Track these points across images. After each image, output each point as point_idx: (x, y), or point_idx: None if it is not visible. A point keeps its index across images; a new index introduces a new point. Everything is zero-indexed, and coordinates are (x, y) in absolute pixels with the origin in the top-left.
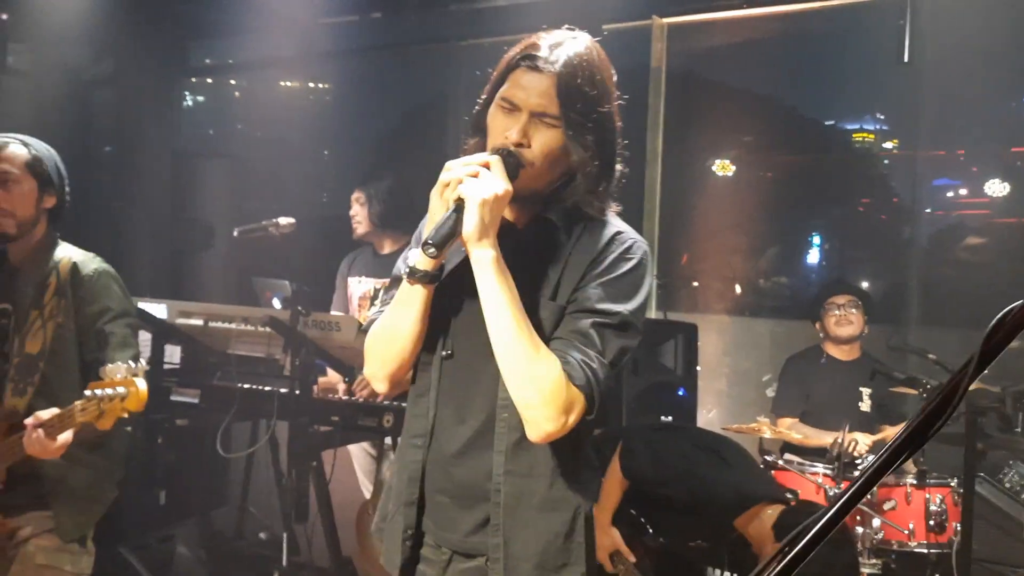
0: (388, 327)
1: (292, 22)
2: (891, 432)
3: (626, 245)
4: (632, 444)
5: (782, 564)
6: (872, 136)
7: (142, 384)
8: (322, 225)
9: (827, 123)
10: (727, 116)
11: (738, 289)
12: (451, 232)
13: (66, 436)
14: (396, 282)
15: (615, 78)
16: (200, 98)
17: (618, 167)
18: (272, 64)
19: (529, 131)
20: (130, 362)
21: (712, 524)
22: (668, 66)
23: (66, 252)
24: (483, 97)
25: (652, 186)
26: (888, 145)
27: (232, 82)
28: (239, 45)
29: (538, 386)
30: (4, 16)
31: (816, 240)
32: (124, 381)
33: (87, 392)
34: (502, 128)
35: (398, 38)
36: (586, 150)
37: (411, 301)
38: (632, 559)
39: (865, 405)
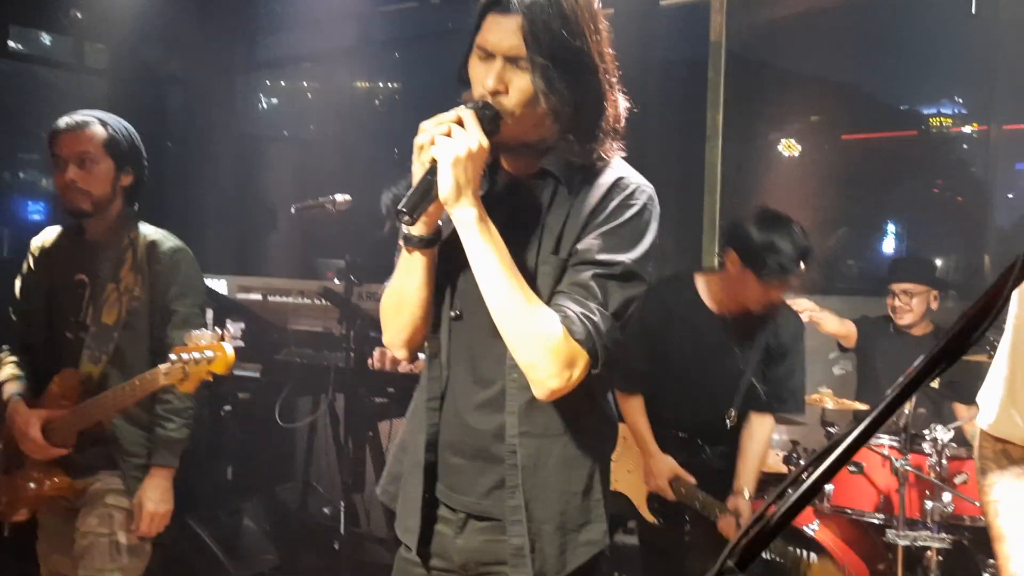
0: (395, 295)
1: (355, 13)
2: (960, 408)
3: (628, 191)
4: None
5: (808, 483)
6: (950, 120)
7: (229, 348)
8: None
9: (902, 107)
10: (792, 93)
11: (802, 266)
12: (424, 196)
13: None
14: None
15: (598, 11)
16: (275, 100)
17: (620, 106)
18: (337, 57)
19: (505, 77)
20: (215, 328)
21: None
22: (728, 40)
23: (143, 230)
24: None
25: (713, 162)
26: (967, 129)
27: (305, 84)
28: (304, 40)
29: (537, 343)
30: (79, 15)
31: (888, 220)
32: (212, 345)
33: (172, 356)
34: (480, 77)
35: (458, 23)
36: (563, 91)
37: (412, 268)
38: (692, 481)
39: (934, 381)
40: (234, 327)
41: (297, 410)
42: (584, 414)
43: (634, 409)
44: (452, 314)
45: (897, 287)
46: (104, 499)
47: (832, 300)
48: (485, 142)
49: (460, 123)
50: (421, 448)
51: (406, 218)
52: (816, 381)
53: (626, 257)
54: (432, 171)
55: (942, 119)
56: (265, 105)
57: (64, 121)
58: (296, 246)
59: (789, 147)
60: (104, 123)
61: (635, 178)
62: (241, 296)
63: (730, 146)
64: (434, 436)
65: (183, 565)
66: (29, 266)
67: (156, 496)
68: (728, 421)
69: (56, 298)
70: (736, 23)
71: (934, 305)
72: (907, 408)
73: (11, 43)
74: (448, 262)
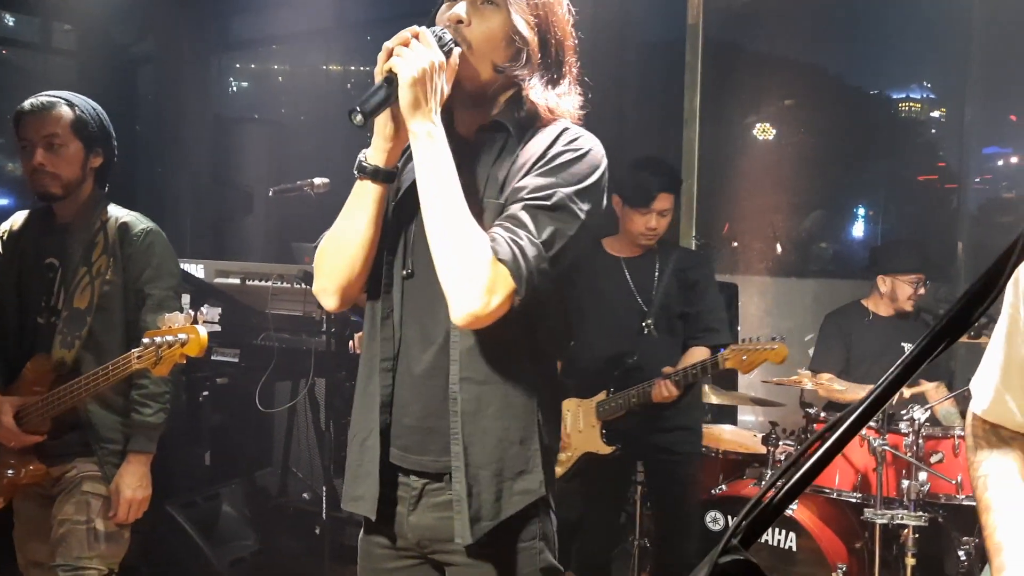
0: (339, 233)
1: None
2: (930, 387)
3: (572, 138)
4: None
5: (822, 451)
6: (919, 105)
7: (203, 330)
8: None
9: (872, 91)
10: (767, 77)
11: (779, 250)
12: (382, 101)
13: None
14: None
15: (564, 2)
16: (244, 83)
17: (576, 94)
18: (310, 38)
19: (471, 11)
20: (189, 311)
21: None
22: (706, 23)
23: (115, 212)
24: None
25: (690, 146)
26: (936, 114)
27: (275, 67)
28: (278, 21)
29: (462, 263)
30: None
31: (860, 203)
32: (184, 328)
33: (145, 340)
34: (446, 12)
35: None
36: (530, 37)
37: (362, 202)
38: (614, 396)
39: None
40: (211, 312)
41: (276, 395)
42: (524, 363)
43: None
44: (404, 272)
45: (909, 278)
46: (80, 486)
47: (807, 282)
48: (443, 58)
49: (416, 37)
50: (375, 411)
51: (358, 117)
52: (795, 363)
53: (559, 189)
54: (390, 80)
55: (911, 103)
56: (235, 88)
57: (29, 102)
58: (274, 230)
59: (764, 131)
60: (71, 104)
61: (582, 131)
62: (219, 280)
63: (707, 129)
64: (389, 398)
65: (161, 551)
66: None
67: (134, 482)
68: (629, 360)
69: (26, 283)
70: (713, 6)
71: (922, 291)
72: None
73: None
74: (402, 220)
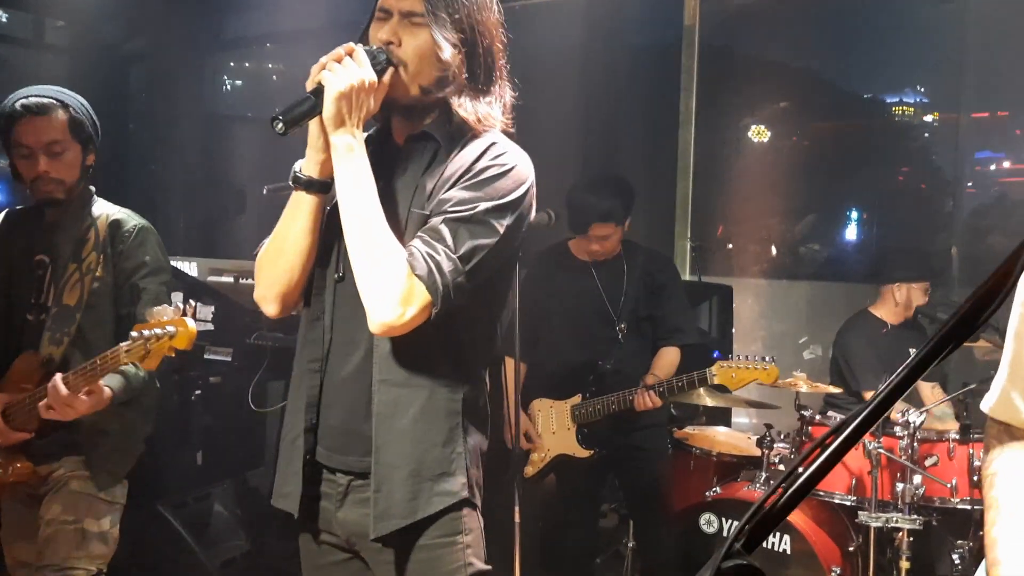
0: (277, 241)
1: None
2: (925, 389)
3: (498, 153)
4: None
5: (825, 456)
6: (912, 109)
7: (191, 323)
8: None
9: (866, 95)
10: (762, 80)
11: (774, 252)
12: (305, 112)
13: (95, 397)
14: None
15: (491, 5)
16: (238, 82)
17: (506, 91)
18: (303, 37)
19: (399, 31)
20: (178, 304)
21: None
22: (702, 25)
23: (105, 208)
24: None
25: (686, 147)
26: (929, 118)
27: (269, 65)
28: (271, 19)
29: (378, 275)
30: None
31: (853, 206)
32: (173, 321)
33: (133, 333)
34: (376, 33)
35: None
36: (457, 51)
37: (298, 212)
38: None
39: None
40: (204, 310)
41: (269, 394)
42: (446, 368)
43: (508, 369)
44: (336, 276)
45: (915, 286)
46: (68, 485)
47: (801, 285)
48: (373, 78)
49: (351, 54)
50: (302, 411)
51: (280, 125)
52: (789, 365)
53: (479, 203)
54: (317, 92)
55: (904, 107)
56: (229, 86)
57: (21, 103)
58: (267, 228)
59: (759, 133)
60: (65, 105)
61: (510, 146)
62: (212, 279)
63: (702, 131)
64: (315, 398)
65: (152, 551)
66: None
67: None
68: (605, 365)
69: (16, 280)
70: (709, 9)
71: (925, 299)
72: (880, 392)
73: None
74: (335, 226)
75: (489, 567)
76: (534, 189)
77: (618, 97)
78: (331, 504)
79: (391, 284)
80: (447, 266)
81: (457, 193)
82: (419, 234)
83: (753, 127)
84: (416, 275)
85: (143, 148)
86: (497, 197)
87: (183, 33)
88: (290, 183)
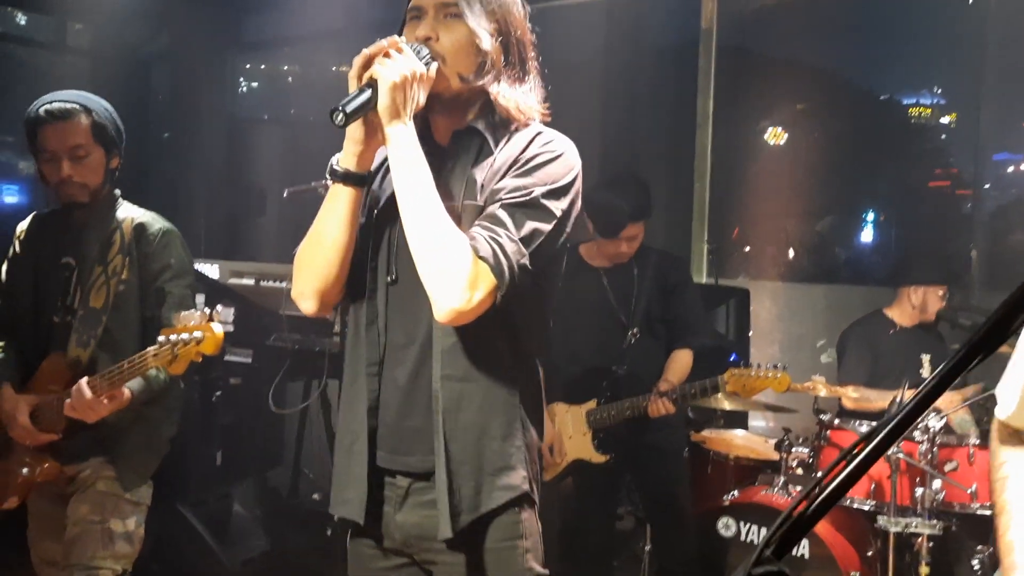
0: (315, 236)
1: None
2: (945, 394)
3: (546, 140)
4: None
5: (854, 464)
6: (929, 110)
7: (218, 328)
8: None
9: (882, 97)
10: (780, 82)
11: (791, 254)
12: (364, 104)
13: (116, 401)
14: None
15: (519, 1)
16: (255, 84)
17: (539, 86)
18: (322, 39)
19: (436, 27)
20: (204, 308)
21: None
22: (719, 28)
23: (130, 212)
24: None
25: (703, 150)
26: (946, 119)
27: (285, 67)
28: (291, 21)
29: (442, 260)
30: None
31: (871, 208)
32: (200, 326)
33: (160, 338)
34: (413, 32)
35: None
36: (492, 45)
37: (336, 205)
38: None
39: (926, 371)
40: (225, 312)
41: (288, 396)
42: (505, 360)
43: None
44: (389, 278)
45: (932, 289)
46: (95, 486)
47: (819, 288)
48: (423, 69)
49: (398, 50)
50: (363, 416)
51: (340, 117)
52: (807, 369)
53: (535, 188)
54: (371, 85)
55: (921, 108)
56: (245, 88)
57: (44, 109)
58: (287, 231)
59: (776, 135)
60: (88, 109)
61: (556, 134)
62: (233, 281)
63: (719, 133)
64: (375, 402)
65: (173, 550)
66: (15, 250)
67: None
68: (619, 369)
69: (43, 282)
70: (727, 11)
71: (942, 304)
72: (898, 396)
73: None
74: (386, 226)
75: (547, 571)
76: (581, 176)
77: (635, 100)
78: (390, 507)
79: (457, 269)
80: (510, 248)
81: (510, 181)
82: (478, 221)
83: (770, 129)
84: (480, 257)
85: (163, 149)
86: (550, 182)
87: (203, 35)
88: (327, 176)
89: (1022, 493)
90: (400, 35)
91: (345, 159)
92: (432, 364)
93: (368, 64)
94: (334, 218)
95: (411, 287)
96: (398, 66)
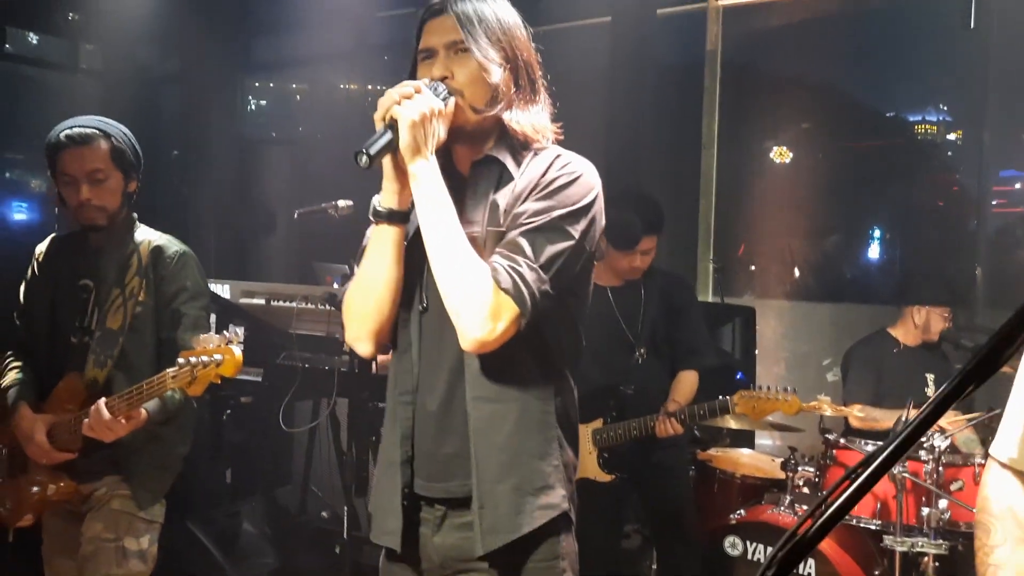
0: (364, 279)
1: (351, 17)
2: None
3: (564, 163)
4: None
5: (853, 487)
6: (935, 128)
7: (238, 351)
8: None
9: (888, 114)
10: (785, 101)
11: (797, 273)
12: (385, 145)
13: (134, 422)
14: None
15: (520, 24)
16: (263, 102)
17: (548, 105)
18: (331, 59)
19: (449, 65)
20: (224, 332)
21: None
22: (724, 49)
23: (147, 235)
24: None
25: (708, 170)
26: (952, 137)
27: (293, 86)
28: (300, 42)
29: (465, 292)
30: (76, 16)
31: (876, 226)
32: (220, 349)
33: (180, 360)
34: (427, 72)
35: None
36: (501, 76)
37: (383, 246)
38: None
39: (931, 390)
40: (235, 331)
41: (297, 414)
42: (536, 378)
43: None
44: (420, 307)
45: (936, 310)
46: (110, 504)
47: (824, 306)
48: (441, 105)
49: (418, 91)
50: (397, 444)
51: (364, 159)
52: (812, 387)
53: (553, 211)
54: (392, 126)
55: (927, 126)
56: (253, 107)
57: (65, 134)
58: (296, 250)
59: (781, 154)
60: (107, 134)
61: (574, 156)
62: (244, 301)
63: (724, 152)
64: (409, 430)
65: (182, 567)
66: (33, 272)
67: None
68: (626, 389)
69: (60, 303)
70: (731, 31)
71: (945, 324)
72: (904, 415)
73: (6, 45)
74: (416, 258)
75: None
76: (602, 196)
77: (641, 120)
78: (427, 529)
79: (480, 301)
80: (530, 276)
81: (530, 205)
82: (498, 249)
83: (775, 148)
84: (502, 289)
85: (174, 170)
86: (569, 204)
87: (212, 56)
88: (370, 218)
89: None
90: (413, 78)
91: (387, 199)
92: (464, 387)
93: (388, 104)
94: (382, 260)
95: (442, 315)
96: (416, 105)
